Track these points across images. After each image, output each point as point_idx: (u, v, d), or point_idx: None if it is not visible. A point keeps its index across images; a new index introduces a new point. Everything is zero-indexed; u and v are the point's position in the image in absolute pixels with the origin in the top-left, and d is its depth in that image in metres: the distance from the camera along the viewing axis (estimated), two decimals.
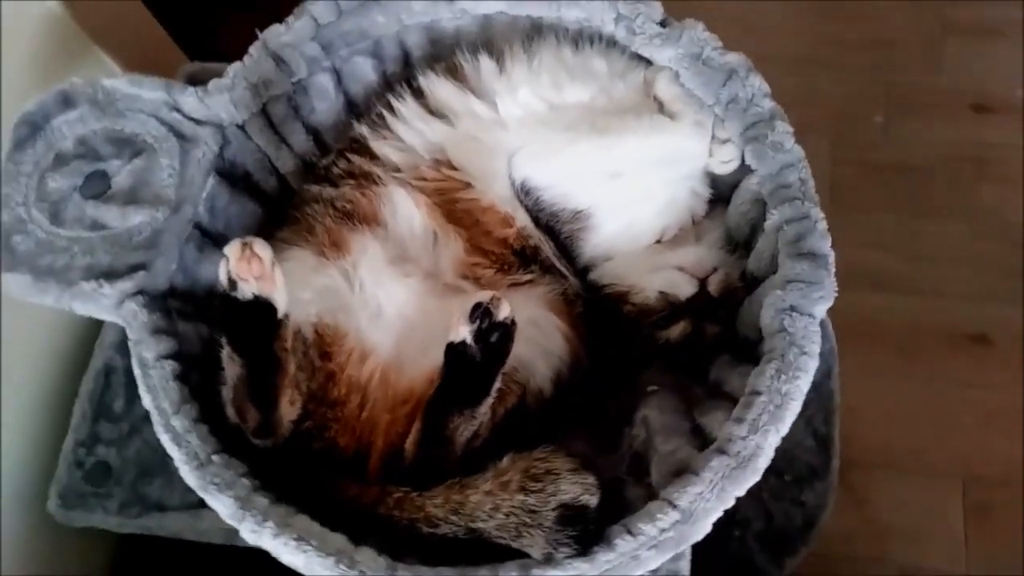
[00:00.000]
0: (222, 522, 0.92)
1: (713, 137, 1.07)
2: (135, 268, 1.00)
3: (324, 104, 1.20)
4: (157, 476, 1.24)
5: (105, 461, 1.26)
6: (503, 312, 0.91)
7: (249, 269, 0.88)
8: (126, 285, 0.99)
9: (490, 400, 0.96)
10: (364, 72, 1.20)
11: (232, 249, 0.89)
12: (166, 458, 1.21)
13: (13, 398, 1.27)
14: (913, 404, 1.95)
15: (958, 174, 2.13)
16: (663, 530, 0.87)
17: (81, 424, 1.28)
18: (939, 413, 1.94)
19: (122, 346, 1.31)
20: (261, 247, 0.89)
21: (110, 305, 0.99)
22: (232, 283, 0.89)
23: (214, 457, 0.93)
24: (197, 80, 1.46)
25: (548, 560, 0.87)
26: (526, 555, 0.89)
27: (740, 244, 1.14)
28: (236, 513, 0.90)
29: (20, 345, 1.27)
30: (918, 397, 1.95)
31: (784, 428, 0.89)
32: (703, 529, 0.87)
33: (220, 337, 0.94)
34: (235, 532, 0.91)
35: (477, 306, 0.90)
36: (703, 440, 0.97)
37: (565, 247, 1.14)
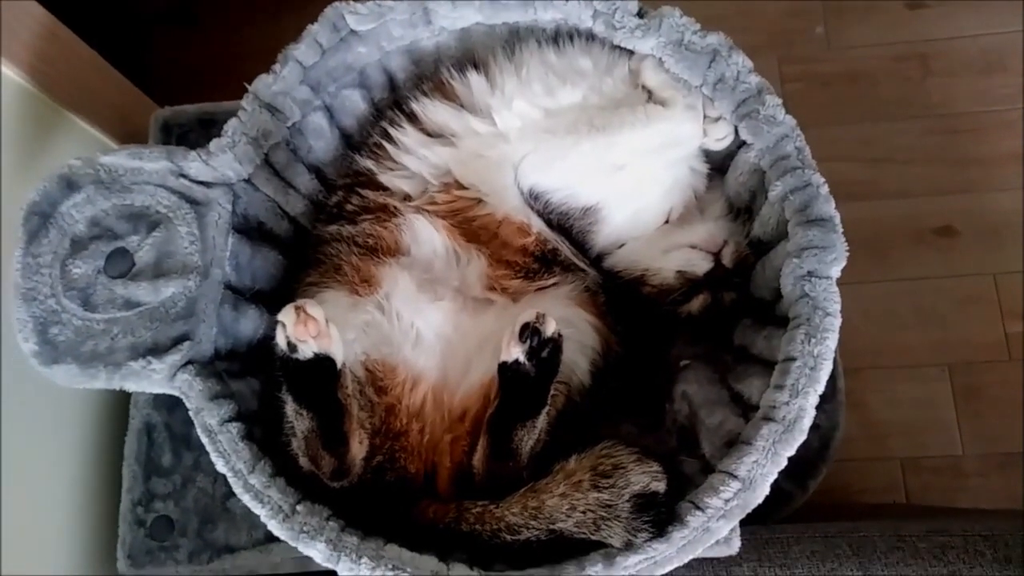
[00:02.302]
0: (293, 551, 0.97)
1: (705, 117, 1.11)
2: (179, 340, 1.02)
3: (321, 142, 1.21)
4: (220, 520, 1.29)
5: (165, 515, 1.30)
6: (550, 328, 0.96)
7: (307, 330, 0.91)
8: (174, 358, 1.01)
9: (547, 408, 1.01)
10: (354, 104, 1.22)
11: (288, 316, 0.92)
12: (226, 502, 1.28)
13: (62, 469, 1.29)
14: (891, 303, 2.06)
15: (904, 73, 2.19)
16: (728, 500, 0.94)
17: (134, 484, 1.31)
18: (917, 308, 2.05)
19: (158, 402, 1.34)
20: (313, 308, 0.92)
21: (162, 379, 1.01)
22: (292, 346, 0.92)
23: (298, 507, 0.97)
24: (172, 125, 1.48)
25: (629, 547, 0.94)
26: (607, 545, 0.96)
27: (742, 210, 1.20)
28: (331, 556, 0.95)
29: (58, 412, 1.29)
30: (895, 296, 2.06)
31: (820, 387, 0.96)
32: (763, 492, 0.95)
33: (283, 395, 0.97)
34: (306, 559, 0.97)
35: (525, 326, 0.95)
36: (744, 407, 1.04)
37: (578, 241, 1.18)
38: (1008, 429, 1.95)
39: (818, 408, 1.42)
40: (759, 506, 0.96)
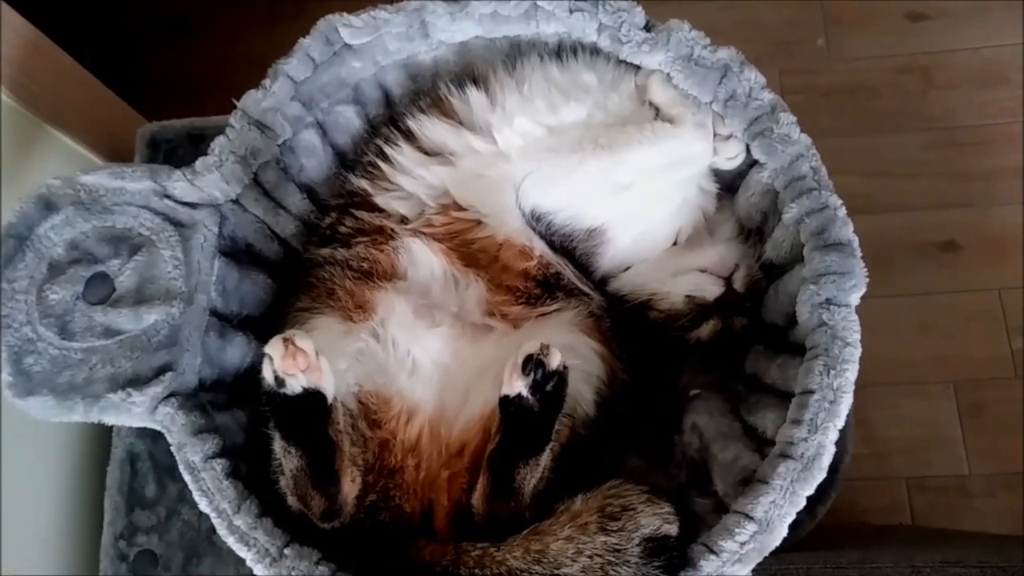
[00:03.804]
0: None
1: (715, 135, 1.06)
2: (161, 370, 0.97)
3: (313, 160, 1.16)
4: (206, 555, 1.23)
5: (149, 549, 1.25)
6: (555, 361, 0.90)
7: (295, 364, 0.86)
8: (156, 390, 0.96)
9: (551, 444, 0.96)
10: (348, 120, 1.17)
11: (275, 348, 0.86)
12: (212, 535, 1.22)
13: (41, 500, 1.24)
14: (894, 319, 2.02)
15: (905, 86, 2.17)
16: (743, 543, 0.89)
17: (116, 517, 1.26)
18: (921, 323, 2.02)
19: (141, 431, 1.28)
20: (302, 340, 0.87)
21: (143, 413, 0.96)
22: (279, 381, 0.87)
23: (286, 550, 0.92)
24: (159, 140, 1.42)
25: None
26: None
27: (753, 231, 1.15)
28: None
29: (37, 440, 1.23)
30: (899, 311, 2.03)
31: (840, 422, 0.91)
32: (781, 534, 0.90)
33: (270, 431, 0.92)
34: None
35: (529, 358, 0.90)
36: (759, 441, 0.99)
37: (582, 264, 1.13)
38: (1014, 447, 1.91)
39: None
40: None
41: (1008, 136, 2.09)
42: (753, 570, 1.02)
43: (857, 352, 0.93)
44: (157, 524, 1.25)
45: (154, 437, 1.27)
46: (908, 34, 2.21)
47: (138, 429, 1.27)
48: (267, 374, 0.87)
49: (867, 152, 2.14)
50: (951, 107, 2.14)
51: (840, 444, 1.40)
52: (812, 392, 0.92)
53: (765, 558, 1.24)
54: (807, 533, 1.41)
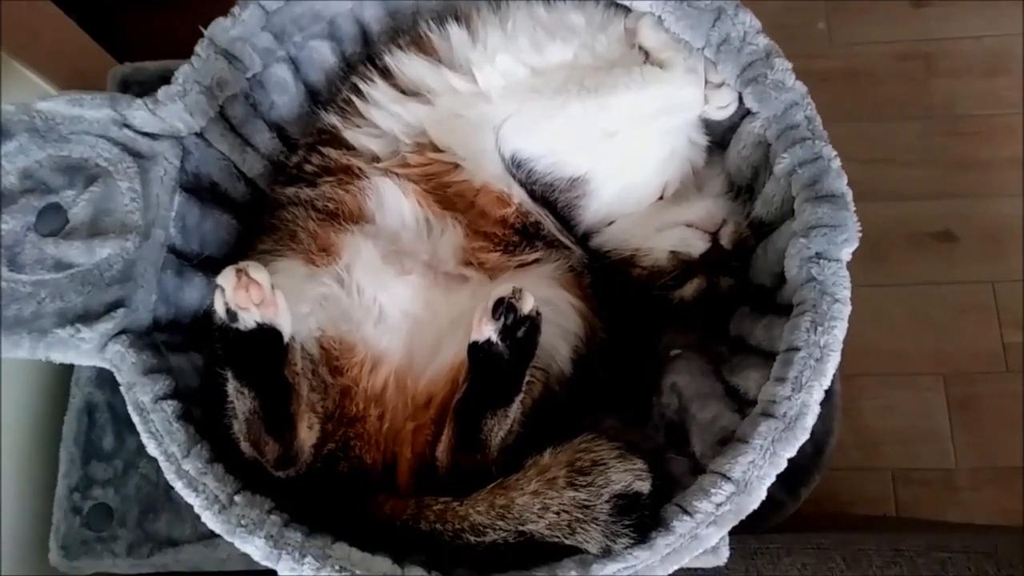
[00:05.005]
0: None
1: (707, 82, 1.01)
2: (113, 306, 0.92)
3: (284, 97, 1.10)
4: (163, 511, 1.17)
5: (104, 503, 1.19)
6: (527, 305, 0.85)
7: (248, 297, 0.81)
8: (106, 326, 0.91)
9: (521, 396, 0.91)
10: (322, 56, 1.11)
11: (226, 278, 0.81)
12: (170, 491, 1.16)
13: None
14: (888, 308, 1.99)
15: (906, 72, 2.14)
16: (719, 504, 0.84)
17: (71, 468, 1.20)
18: (914, 314, 1.99)
19: (100, 380, 1.23)
20: (256, 271, 0.82)
21: (92, 350, 0.91)
22: (231, 314, 0.82)
23: (236, 498, 0.87)
24: (131, 82, 1.36)
25: (607, 553, 0.84)
26: (582, 550, 0.86)
27: (743, 188, 1.10)
28: (271, 554, 0.85)
29: None
30: (892, 301, 2.00)
31: (827, 381, 0.86)
32: (759, 497, 0.85)
33: (223, 371, 0.87)
34: None
35: (500, 302, 0.85)
36: (740, 402, 0.94)
37: (563, 216, 1.08)
38: (1002, 443, 1.89)
39: None
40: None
41: (1008, 127, 2.06)
42: (731, 548, 0.97)
43: (847, 309, 0.88)
44: (114, 477, 1.20)
45: (113, 388, 1.20)
46: (911, 20, 2.18)
47: (97, 379, 1.22)
48: (219, 306, 0.82)
49: (865, 139, 2.10)
50: (952, 95, 2.11)
51: (826, 424, 1.38)
52: (798, 349, 0.87)
53: (744, 537, 1.20)
54: (788, 517, 1.38)
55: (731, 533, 0.91)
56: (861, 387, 1.96)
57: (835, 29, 2.20)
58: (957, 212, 2.04)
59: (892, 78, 2.13)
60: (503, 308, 0.85)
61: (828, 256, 0.89)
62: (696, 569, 1.15)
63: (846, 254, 0.90)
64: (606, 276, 1.10)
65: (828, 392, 1.33)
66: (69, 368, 1.24)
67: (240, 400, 0.85)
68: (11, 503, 1.21)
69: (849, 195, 0.92)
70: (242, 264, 0.82)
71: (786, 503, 1.37)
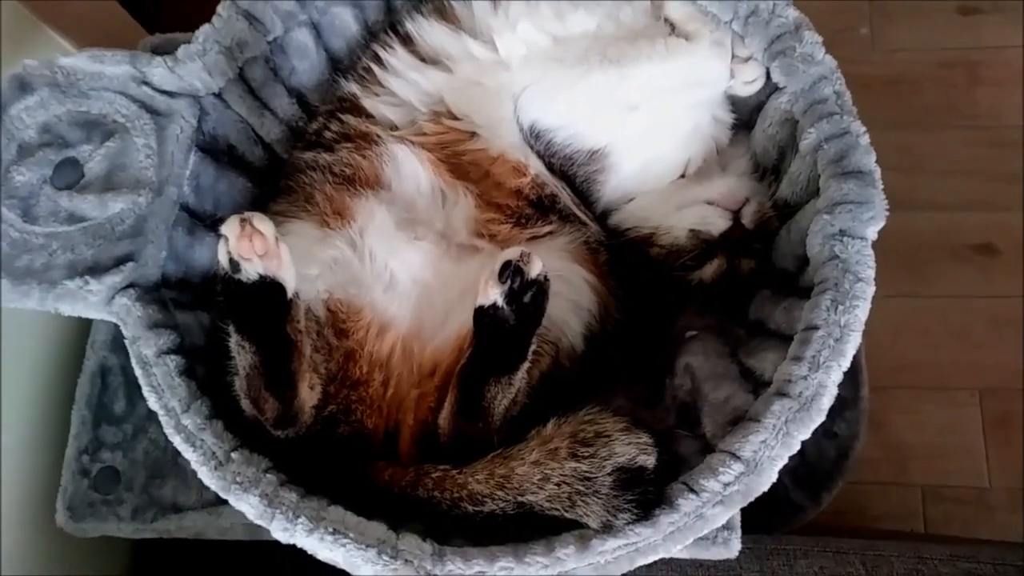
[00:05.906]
0: (245, 517, 0.85)
1: (733, 56, 0.99)
2: (122, 260, 0.92)
3: (305, 63, 1.10)
4: (169, 477, 1.17)
5: (112, 466, 1.18)
6: (535, 269, 0.83)
7: (252, 247, 0.79)
8: (114, 279, 0.90)
9: (526, 364, 0.88)
10: (344, 23, 1.10)
11: (231, 227, 0.80)
12: (177, 457, 1.16)
13: (6, 407, 1.18)
14: (924, 321, 1.93)
15: (950, 81, 2.08)
16: (727, 484, 0.81)
17: (82, 430, 1.20)
18: (950, 327, 1.93)
19: (115, 344, 1.23)
20: (261, 221, 0.80)
21: (99, 303, 0.91)
22: (234, 264, 0.80)
23: (233, 455, 0.86)
24: (162, 52, 1.36)
25: (607, 528, 0.81)
26: (582, 525, 0.83)
27: (769, 170, 1.06)
28: (264, 512, 0.83)
29: (7, 349, 1.18)
30: (928, 313, 1.94)
31: (846, 362, 0.83)
32: (770, 479, 0.82)
33: (226, 324, 0.85)
34: (259, 526, 0.85)
35: (507, 265, 0.82)
36: (755, 383, 0.91)
37: (581, 191, 1.06)
38: None
39: (838, 415, 1.31)
40: (765, 516, 0.83)
41: None
42: (747, 548, 0.93)
43: (870, 290, 0.84)
44: (123, 441, 1.19)
45: (128, 352, 1.22)
46: (957, 27, 2.13)
47: (112, 343, 1.22)
48: (222, 256, 0.81)
49: (906, 147, 2.05)
50: (996, 106, 2.05)
51: (852, 428, 1.34)
52: (816, 328, 0.83)
53: (760, 537, 1.16)
54: (809, 526, 1.33)
55: (746, 532, 0.88)
56: (893, 400, 1.89)
57: (878, 35, 2.15)
58: (999, 225, 1.97)
59: (935, 86, 2.08)
60: (510, 271, 0.82)
61: (852, 234, 0.86)
62: (709, 566, 1.12)
63: (872, 232, 0.86)
64: (624, 255, 1.07)
65: (855, 395, 1.31)
66: (85, 331, 1.25)
67: (241, 355, 0.84)
68: (21, 463, 1.22)
69: (877, 172, 0.88)
70: (248, 214, 0.81)
71: (807, 507, 1.33)
